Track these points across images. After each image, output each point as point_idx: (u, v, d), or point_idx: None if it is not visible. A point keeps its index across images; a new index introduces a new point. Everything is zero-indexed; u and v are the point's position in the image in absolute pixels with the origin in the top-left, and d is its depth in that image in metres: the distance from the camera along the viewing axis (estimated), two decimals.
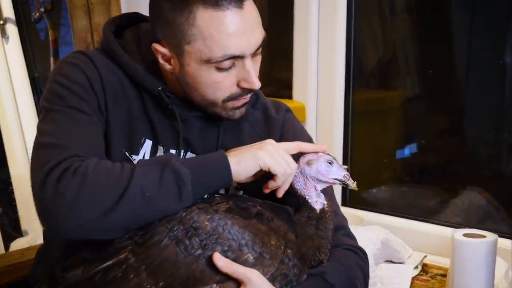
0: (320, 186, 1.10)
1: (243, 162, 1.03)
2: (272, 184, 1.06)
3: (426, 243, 1.93)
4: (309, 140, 1.29)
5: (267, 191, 1.08)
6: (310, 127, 2.19)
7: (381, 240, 1.78)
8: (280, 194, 1.08)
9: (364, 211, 2.16)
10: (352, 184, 1.08)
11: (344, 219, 1.25)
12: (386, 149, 2.27)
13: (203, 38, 1.04)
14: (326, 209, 1.10)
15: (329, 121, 2.17)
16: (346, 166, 1.11)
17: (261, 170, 1.05)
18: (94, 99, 1.11)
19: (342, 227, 1.22)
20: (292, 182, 1.10)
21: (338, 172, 1.08)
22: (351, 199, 2.23)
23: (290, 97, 2.23)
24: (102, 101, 1.12)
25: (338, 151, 2.20)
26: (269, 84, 2.36)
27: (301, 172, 1.09)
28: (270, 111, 1.28)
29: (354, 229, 1.41)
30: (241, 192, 1.17)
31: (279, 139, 1.25)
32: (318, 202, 1.09)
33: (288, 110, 1.32)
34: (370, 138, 2.30)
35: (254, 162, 1.03)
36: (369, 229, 1.84)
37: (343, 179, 1.09)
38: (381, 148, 2.28)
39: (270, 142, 1.08)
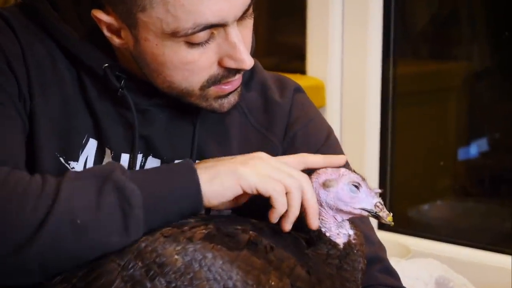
0: (340, 217, 1.10)
1: (219, 180, 1.03)
2: (273, 215, 1.06)
3: (500, 282, 1.93)
4: (328, 135, 1.28)
5: (273, 221, 1.07)
6: (331, 115, 2.19)
7: (435, 279, 1.79)
8: (286, 226, 1.07)
9: (411, 237, 2.16)
10: (387, 217, 1.08)
11: (381, 248, 1.25)
12: (442, 146, 2.27)
13: (163, 2, 1.04)
14: (353, 241, 1.09)
15: (359, 106, 2.17)
16: (379, 190, 1.11)
17: (244, 193, 1.04)
18: (13, 82, 1.11)
19: (378, 259, 1.22)
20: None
21: (367, 200, 1.08)
22: (393, 218, 2.23)
23: (302, 71, 2.23)
24: (25, 85, 1.11)
25: (372, 150, 2.20)
26: (272, 53, 2.35)
27: None
28: (272, 92, 1.28)
29: (396, 262, 1.40)
30: (228, 211, 1.17)
31: (283, 134, 1.25)
32: (340, 234, 1.09)
33: (298, 90, 1.31)
34: (420, 130, 2.30)
35: (234, 182, 1.03)
36: (419, 263, 1.85)
37: (374, 209, 1.09)
38: (436, 145, 2.28)
39: (260, 155, 1.07)
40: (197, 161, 1.12)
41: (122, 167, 1.02)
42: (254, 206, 1.09)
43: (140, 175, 1.03)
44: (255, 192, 1.04)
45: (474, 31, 2.21)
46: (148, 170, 1.11)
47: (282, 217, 1.06)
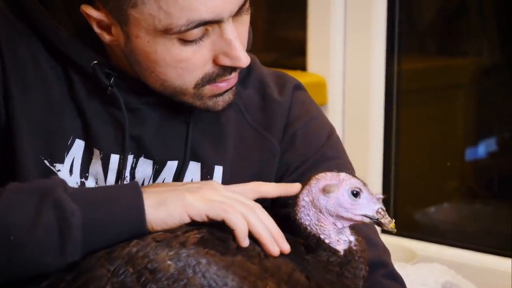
0: (341, 224, 1.11)
1: (165, 206, 1.03)
2: (238, 238, 1.04)
3: None
4: (329, 135, 1.29)
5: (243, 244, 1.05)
6: (332, 113, 2.19)
7: (442, 285, 1.79)
8: (271, 251, 1.05)
9: (416, 241, 2.16)
10: (389, 224, 1.09)
11: (385, 252, 1.25)
12: (449, 146, 2.27)
13: None
14: (355, 248, 1.09)
15: (362, 104, 2.17)
16: (381, 196, 1.11)
17: (193, 222, 1.03)
18: None
19: (382, 264, 1.22)
20: (297, 215, 1.10)
21: (369, 206, 1.09)
22: (397, 222, 2.22)
23: (303, 67, 2.23)
24: (0, 87, 1.12)
25: (376, 150, 2.20)
26: (271, 48, 2.35)
27: (311, 202, 1.10)
28: (270, 89, 1.28)
29: (401, 267, 1.40)
30: None
31: (282, 133, 1.25)
32: (340, 241, 1.10)
33: (299, 87, 1.31)
34: (425, 129, 2.30)
35: (181, 210, 1.03)
36: (425, 268, 1.85)
37: (376, 216, 1.09)
38: (442, 145, 2.28)
39: (212, 184, 1.08)
40: (154, 183, 1.15)
41: (65, 183, 1.02)
42: None
43: (83, 194, 1.02)
44: (205, 219, 1.04)
45: (483, 25, 2.21)
46: (92, 189, 1.11)
47: (262, 246, 1.05)
